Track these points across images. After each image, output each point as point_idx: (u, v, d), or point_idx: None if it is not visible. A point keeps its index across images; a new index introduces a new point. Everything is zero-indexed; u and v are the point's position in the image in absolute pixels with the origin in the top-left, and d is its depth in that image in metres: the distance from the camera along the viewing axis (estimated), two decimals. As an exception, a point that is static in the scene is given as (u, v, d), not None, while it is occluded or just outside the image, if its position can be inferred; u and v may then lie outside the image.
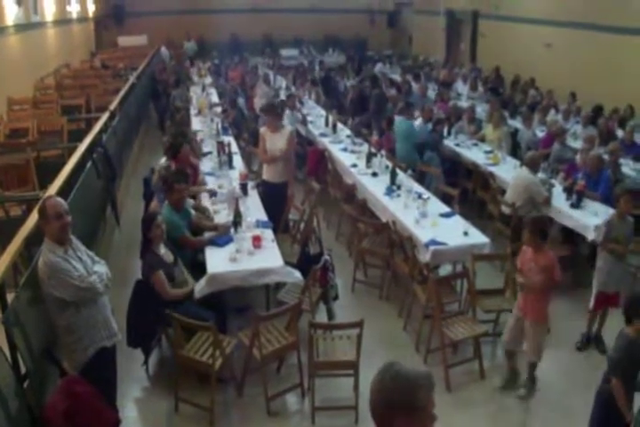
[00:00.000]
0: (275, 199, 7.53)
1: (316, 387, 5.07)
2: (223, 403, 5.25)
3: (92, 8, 21.33)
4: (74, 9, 18.60)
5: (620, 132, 11.13)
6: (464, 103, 13.39)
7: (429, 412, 2.19)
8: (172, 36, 22.69)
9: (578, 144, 9.87)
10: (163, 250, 5.63)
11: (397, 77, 16.90)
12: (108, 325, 4.48)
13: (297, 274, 5.85)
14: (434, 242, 6.24)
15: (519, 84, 15.48)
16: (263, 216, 6.91)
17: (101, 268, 4.45)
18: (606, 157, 8.91)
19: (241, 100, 13.75)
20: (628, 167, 9.29)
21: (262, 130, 7.87)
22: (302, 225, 7.36)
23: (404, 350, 6.02)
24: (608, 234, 5.98)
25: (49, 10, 15.99)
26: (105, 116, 9.73)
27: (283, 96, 13.29)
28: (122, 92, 12.28)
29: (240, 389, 5.35)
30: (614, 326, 6.10)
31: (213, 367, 4.95)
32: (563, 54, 15.33)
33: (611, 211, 7.44)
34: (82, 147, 7.60)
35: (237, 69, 17.77)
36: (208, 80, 17.14)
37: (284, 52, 23.22)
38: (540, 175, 8.09)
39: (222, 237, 6.27)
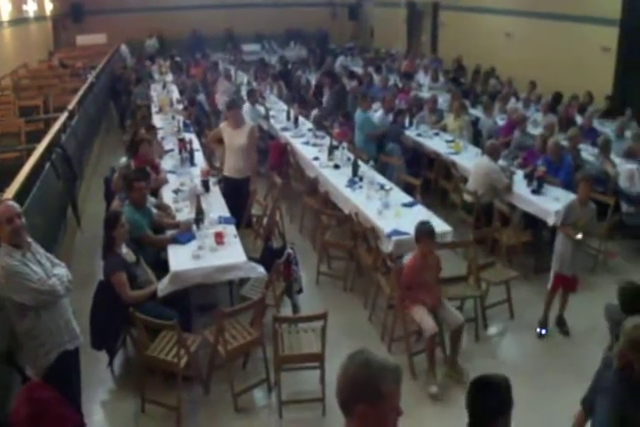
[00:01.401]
0: (237, 195, 7.49)
1: (282, 381, 5.05)
2: (190, 401, 5.19)
3: (49, 7, 20.94)
4: (30, 8, 18.22)
5: (579, 119, 11.28)
6: (425, 94, 13.42)
7: (394, 404, 2.21)
8: (133, 33, 22.42)
9: (538, 131, 9.94)
10: (124, 250, 5.55)
11: (359, 70, 16.89)
12: (69, 328, 4.40)
13: (260, 269, 5.82)
14: (396, 232, 6.24)
15: (480, 74, 15.56)
16: (225, 212, 6.87)
17: (61, 270, 4.37)
18: (566, 143, 9.03)
19: (202, 97, 13.65)
20: (587, 153, 9.40)
21: (222, 125, 7.83)
22: (265, 220, 7.32)
23: (370, 340, 6.02)
24: (566, 218, 6.02)
25: (4, 9, 15.66)
26: (63, 117, 9.59)
27: (244, 91, 13.21)
28: (80, 92, 12.12)
29: (206, 386, 5.31)
30: (576, 308, 6.24)
31: (179, 366, 4.90)
32: (522, 44, 15.45)
33: (571, 196, 7.53)
34: (40, 148, 7.48)
35: (200, 66, 17.61)
36: (169, 77, 16.97)
37: (246, 48, 23.05)
38: (501, 162, 8.15)
39: (184, 235, 6.22)
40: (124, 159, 7.46)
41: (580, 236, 5.90)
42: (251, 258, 6.00)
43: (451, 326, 5.48)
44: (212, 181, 7.72)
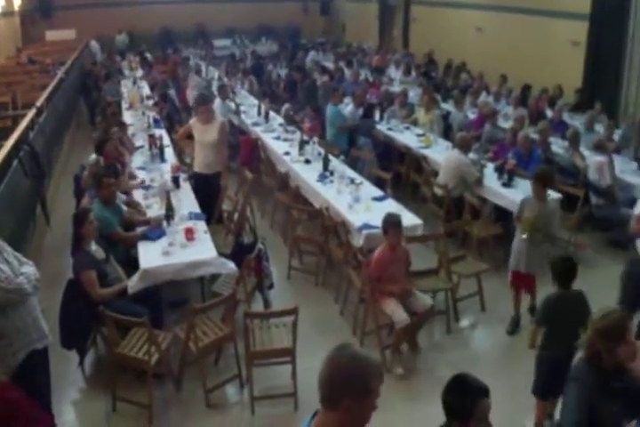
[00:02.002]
0: (208, 191, 7.46)
1: (254, 376, 5.03)
2: (162, 399, 5.15)
3: (17, 2, 20.64)
4: (-2, 3, 17.99)
5: (549, 112, 11.38)
6: (397, 88, 13.45)
7: (374, 399, 2.25)
8: (103, 29, 22.15)
9: (509, 125, 10.02)
10: (94, 247, 5.49)
11: (331, 65, 16.88)
12: (38, 327, 4.33)
13: (231, 265, 5.79)
14: (367, 226, 6.26)
15: (451, 68, 15.64)
16: (196, 208, 6.83)
17: (29, 269, 4.31)
18: (536, 136, 9.10)
19: (172, 93, 13.55)
20: (557, 146, 9.48)
21: (192, 121, 7.78)
22: (236, 215, 7.29)
23: (341, 334, 6.03)
24: (520, 211, 6.05)
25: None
26: (31, 113, 9.46)
27: (215, 87, 13.13)
28: (49, 88, 11.97)
29: (178, 383, 5.27)
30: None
31: (150, 364, 4.86)
32: (493, 38, 15.55)
33: (542, 189, 7.60)
34: (7, 145, 7.38)
35: (171, 61, 17.49)
36: (139, 73, 16.83)
37: (217, 43, 22.90)
38: (472, 156, 8.19)
39: (154, 231, 6.18)
40: (93, 156, 7.38)
41: (524, 235, 5.85)
42: (221, 254, 5.98)
43: (420, 309, 5.53)
44: (182, 177, 7.67)
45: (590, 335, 3.28)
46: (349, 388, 2.19)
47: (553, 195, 7.50)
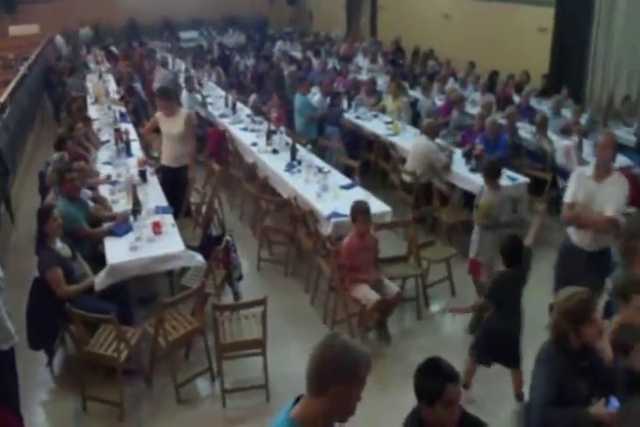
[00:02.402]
0: (175, 184, 7.38)
1: (225, 369, 5.01)
2: (132, 396, 5.09)
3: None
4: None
5: (517, 98, 11.43)
6: (364, 76, 13.42)
7: (361, 388, 2.31)
8: (68, 23, 21.79)
9: (477, 111, 10.03)
10: (59, 244, 5.39)
11: (298, 54, 16.80)
12: (3, 327, 4.23)
13: (199, 257, 5.74)
14: (335, 214, 6.25)
15: (419, 56, 15.63)
16: (163, 202, 6.76)
17: (-7, 269, 4.23)
18: (504, 121, 9.13)
19: (138, 86, 13.39)
20: (524, 130, 9.54)
21: (158, 114, 7.67)
22: (204, 208, 7.22)
23: (312, 323, 6.03)
24: (477, 199, 6.06)
25: None
26: (-6, 110, 9.30)
27: (182, 79, 13.00)
28: (12, 84, 11.75)
29: (149, 379, 5.21)
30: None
31: (119, 361, 4.80)
32: (461, 25, 15.56)
33: (509, 173, 7.64)
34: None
35: (137, 54, 17.29)
36: (105, 67, 16.61)
37: (184, 35, 22.67)
38: (440, 142, 8.20)
39: (121, 227, 6.10)
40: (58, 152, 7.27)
41: (479, 222, 5.89)
42: (190, 247, 5.93)
43: (388, 295, 5.55)
44: (149, 170, 7.57)
45: (556, 317, 3.29)
46: (340, 374, 2.24)
47: (520, 179, 7.57)
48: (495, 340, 4.73)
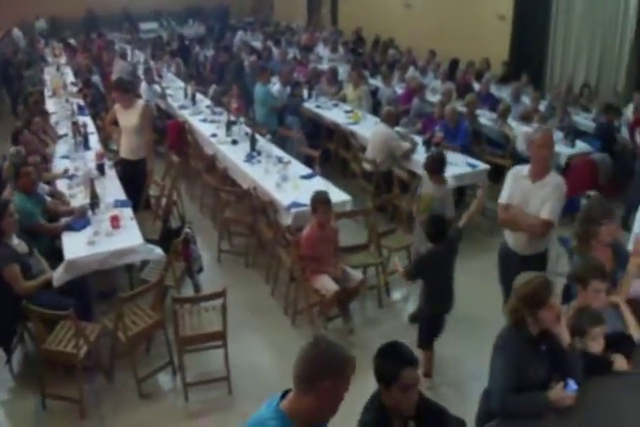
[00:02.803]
0: (134, 177, 7.27)
1: (187, 363, 4.96)
2: (93, 392, 5.02)
3: None
4: None
5: (477, 85, 11.49)
6: (325, 66, 13.40)
7: (345, 388, 2.37)
8: (25, 15, 21.34)
9: (437, 99, 10.06)
10: (16, 241, 5.28)
11: (259, 44, 16.70)
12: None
13: (158, 250, 5.67)
14: (295, 204, 6.23)
15: (379, 45, 15.64)
16: (122, 195, 6.66)
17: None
18: (464, 109, 9.18)
19: (97, 79, 13.19)
20: (485, 117, 9.59)
21: (116, 106, 7.56)
22: (164, 200, 7.15)
23: (273, 314, 6.02)
24: (418, 189, 6.13)
25: None
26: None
27: (141, 71, 12.83)
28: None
29: (109, 375, 5.14)
30: (477, 268, 6.32)
31: (78, 357, 4.72)
32: (421, 13, 15.58)
33: (469, 160, 7.69)
34: None
35: (95, 46, 17.02)
36: (63, 60, 16.33)
37: (143, 26, 22.38)
38: (401, 130, 8.21)
39: (79, 221, 5.99)
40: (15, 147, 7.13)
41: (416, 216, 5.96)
42: (149, 240, 5.86)
43: (351, 284, 5.57)
44: (107, 164, 7.47)
45: (514, 302, 3.31)
46: (327, 369, 2.32)
47: (481, 166, 7.62)
48: (432, 326, 4.91)
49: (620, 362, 3.43)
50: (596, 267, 3.81)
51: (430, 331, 4.93)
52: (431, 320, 4.94)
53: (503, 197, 4.85)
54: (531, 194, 4.69)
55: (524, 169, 4.80)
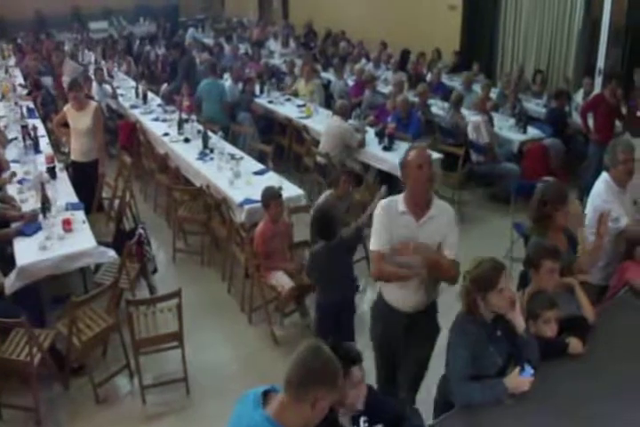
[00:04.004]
0: (86, 179, 7.17)
1: (144, 365, 4.88)
2: (49, 400, 4.92)
3: None
4: None
5: (429, 75, 11.56)
6: (277, 61, 13.36)
7: (334, 399, 2.37)
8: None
9: (390, 90, 10.09)
10: (-35, 248, 5.18)
11: (211, 41, 16.59)
12: None
13: (111, 253, 5.58)
14: (248, 201, 6.19)
15: (331, 38, 15.64)
16: (74, 198, 6.54)
17: None
18: (416, 99, 9.22)
19: (47, 80, 12.96)
20: (437, 107, 9.65)
21: (66, 107, 7.44)
22: (117, 202, 7.06)
23: (230, 312, 6.00)
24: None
25: None
26: None
27: (92, 71, 12.64)
28: None
29: (65, 381, 5.05)
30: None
31: (32, 365, 4.63)
32: (372, 5, 15.55)
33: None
34: None
35: (44, 47, 16.72)
36: (12, 62, 16.01)
37: (94, 25, 22.03)
38: (353, 122, 8.21)
39: (30, 226, 5.86)
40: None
41: None
42: (103, 242, 5.77)
43: (305, 279, 5.51)
44: (58, 167, 7.34)
45: (466, 285, 3.32)
46: (328, 379, 2.29)
47: (434, 155, 7.65)
48: (327, 316, 4.83)
49: (575, 345, 3.44)
50: (546, 248, 3.82)
51: (325, 321, 4.86)
52: (326, 310, 4.85)
53: (375, 244, 3.68)
54: (418, 236, 3.62)
55: (398, 202, 3.68)
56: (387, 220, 3.67)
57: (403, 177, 3.69)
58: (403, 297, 3.83)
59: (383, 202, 3.78)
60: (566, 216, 4.22)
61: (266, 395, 2.38)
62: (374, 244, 3.69)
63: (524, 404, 3.12)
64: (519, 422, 3.03)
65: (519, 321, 3.30)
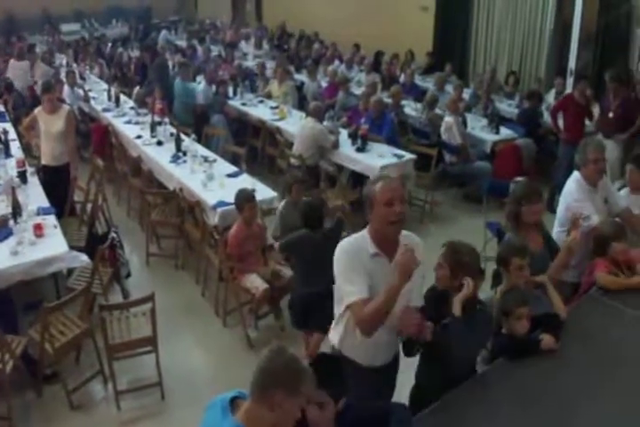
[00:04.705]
0: (57, 183, 7.11)
1: (118, 370, 4.85)
2: (22, 407, 4.85)
3: None
4: None
5: (402, 77, 11.61)
6: (251, 63, 13.35)
7: (300, 404, 2.35)
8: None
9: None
10: None
11: (184, 43, 16.52)
12: None
13: (83, 257, 5.52)
14: (221, 203, 6.17)
15: (304, 39, 15.66)
16: (45, 203, 6.47)
17: None
18: (389, 100, 9.26)
19: (18, 84, 12.80)
20: (410, 108, 9.70)
21: (37, 110, 7.36)
22: (89, 206, 7.00)
23: (205, 315, 5.98)
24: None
25: None
26: None
27: (64, 74, 12.52)
28: None
29: (38, 388, 4.99)
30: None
31: (4, 372, 4.57)
32: (345, 7, 15.56)
33: (395, 151, 7.76)
34: None
35: (15, 49, 16.51)
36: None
37: (65, 28, 21.79)
38: (326, 123, 8.23)
39: (0, 231, 5.81)
40: None
41: None
42: (75, 247, 5.71)
43: (281, 281, 5.57)
44: (29, 171, 7.26)
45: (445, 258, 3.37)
46: (286, 381, 2.27)
47: (407, 156, 7.70)
48: (302, 307, 4.94)
49: (547, 341, 3.47)
50: (514, 245, 3.89)
51: (300, 311, 4.98)
52: (302, 300, 4.95)
53: (353, 293, 3.04)
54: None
55: (366, 242, 3.13)
56: (358, 264, 3.07)
57: (367, 211, 3.11)
58: (373, 350, 3.30)
59: (345, 244, 3.18)
60: (536, 214, 4.26)
61: (233, 401, 2.38)
62: (351, 293, 3.04)
63: (496, 400, 3.16)
64: (491, 417, 3.04)
65: (456, 305, 3.24)
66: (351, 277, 3.06)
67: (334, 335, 3.38)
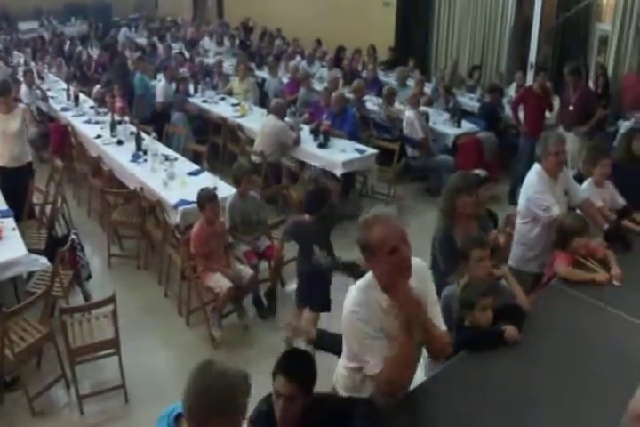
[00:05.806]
0: (15, 185, 6.95)
1: (81, 374, 4.77)
2: (-18, 416, 4.79)
3: None
4: None
5: (364, 72, 11.63)
6: (212, 60, 13.25)
7: (243, 415, 2.17)
8: None
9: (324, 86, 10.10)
10: None
11: (144, 41, 16.33)
12: None
13: (43, 260, 5.42)
14: (183, 202, 6.13)
15: (266, 36, 15.59)
16: (3, 205, 6.35)
17: None
18: (351, 95, 9.26)
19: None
20: (372, 103, 9.71)
21: None
22: (48, 208, 6.88)
23: (168, 315, 5.93)
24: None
25: None
26: None
27: (21, 73, 12.29)
28: None
29: (-1, 396, 4.92)
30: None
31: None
32: (307, 3, 15.53)
33: (357, 146, 7.77)
34: None
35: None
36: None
37: (23, 26, 21.43)
38: (287, 119, 8.20)
39: (-43, 235, 5.69)
40: None
41: None
42: (34, 250, 5.61)
43: (243, 279, 5.56)
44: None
45: None
46: (219, 409, 2.07)
47: (369, 151, 7.71)
48: (305, 285, 5.06)
49: (510, 332, 3.46)
50: (473, 238, 3.98)
51: (304, 289, 5.08)
52: (305, 279, 5.05)
53: (378, 364, 2.72)
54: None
55: (377, 294, 2.75)
56: (376, 323, 2.74)
57: (368, 262, 2.74)
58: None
59: (355, 297, 2.78)
60: (470, 204, 4.25)
61: (178, 419, 2.23)
62: (374, 366, 2.72)
63: (459, 391, 3.15)
64: (454, 412, 3.02)
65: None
66: (371, 345, 2.73)
67: (340, 385, 3.14)
